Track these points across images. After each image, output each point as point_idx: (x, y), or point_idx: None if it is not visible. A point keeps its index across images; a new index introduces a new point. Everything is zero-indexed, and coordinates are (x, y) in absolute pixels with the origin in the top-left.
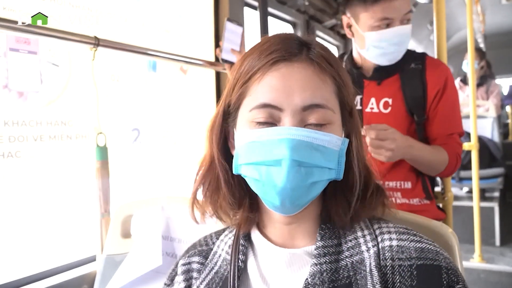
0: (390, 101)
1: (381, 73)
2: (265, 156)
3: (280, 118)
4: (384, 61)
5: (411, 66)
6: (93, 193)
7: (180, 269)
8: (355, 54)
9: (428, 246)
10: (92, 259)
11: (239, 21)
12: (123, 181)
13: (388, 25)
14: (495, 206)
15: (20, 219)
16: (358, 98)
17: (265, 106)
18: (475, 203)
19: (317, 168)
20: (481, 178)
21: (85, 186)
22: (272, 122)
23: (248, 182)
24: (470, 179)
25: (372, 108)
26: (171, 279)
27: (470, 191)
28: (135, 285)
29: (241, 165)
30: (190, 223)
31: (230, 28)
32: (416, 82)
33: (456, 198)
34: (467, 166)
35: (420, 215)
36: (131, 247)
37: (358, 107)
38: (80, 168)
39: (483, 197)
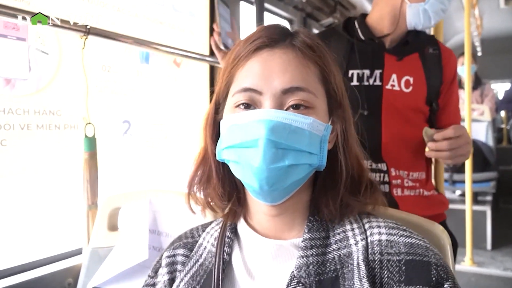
0: (411, 80)
1: (403, 48)
2: (244, 138)
3: (261, 101)
4: (433, 21)
5: (430, 51)
6: (80, 184)
7: (164, 261)
8: (375, 20)
9: (418, 241)
10: (78, 252)
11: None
12: (112, 173)
13: None
14: (488, 210)
15: (5, 209)
16: (378, 72)
17: (246, 90)
18: (468, 207)
19: (296, 151)
20: (474, 182)
21: (72, 177)
22: (253, 105)
23: (230, 167)
24: (463, 182)
25: (393, 86)
26: (155, 271)
27: (463, 195)
28: (121, 278)
29: (223, 150)
30: (178, 217)
31: (222, 10)
32: (436, 71)
33: (449, 201)
34: (461, 169)
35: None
36: (117, 240)
37: (378, 82)
38: (68, 159)
39: (475, 200)
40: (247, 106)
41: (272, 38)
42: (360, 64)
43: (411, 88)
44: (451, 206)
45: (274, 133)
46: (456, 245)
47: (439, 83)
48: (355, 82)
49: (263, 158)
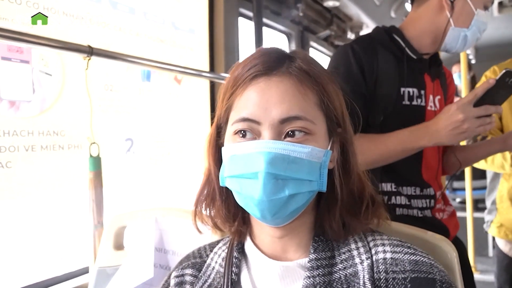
0: (439, 99)
1: (437, 68)
2: (244, 169)
3: (260, 131)
4: (466, 47)
5: (441, 71)
6: (86, 204)
7: (173, 281)
8: (414, 37)
9: (423, 258)
10: (85, 271)
11: (234, 31)
12: (116, 192)
13: (486, 9)
14: (485, 219)
15: (12, 231)
16: (423, 92)
17: (244, 120)
18: (469, 214)
19: (295, 181)
20: (474, 189)
21: (78, 197)
22: (252, 135)
23: (234, 194)
24: (463, 189)
25: (431, 106)
26: None
27: (463, 202)
28: None
29: (226, 178)
30: (184, 236)
31: None
32: (446, 90)
33: None
34: (460, 177)
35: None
36: (124, 259)
37: (422, 103)
38: (72, 179)
39: (476, 207)
40: (246, 134)
41: (268, 65)
42: (410, 83)
43: (439, 107)
44: None
45: (273, 166)
46: (465, 252)
47: (446, 101)
48: (406, 101)
49: (263, 191)
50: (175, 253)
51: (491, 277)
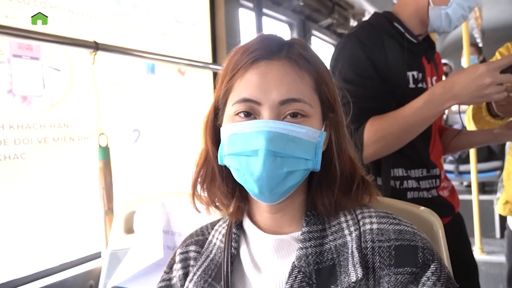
0: (436, 78)
1: (430, 51)
2: (245, 147)
3: (260, 112)
4: (453, 26)
5: (434, 53)
6: (96, 192)
7: (178, 258)
8: (406, 20)
9: (406, 228)
10: (98, 256)
11: (235, 22)
12: (125, 180)
13: None
14: (495, 199)
15: (27, 219)
16: (421, 75)
17: (245, 100)
18: (474, 196)
19: (292, 158)
20: (480, 172)
21: (88, 185)
22: (252, 115)
23: (232, 172)
24: (469, 172)
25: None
26: (170, 267)
27: (470, 186)
28: (138, 277)
29: (225, 156)
30: (189, 218)
31: None
32: (437, 71)
33: (457, 192)
34: (466, 160)
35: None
36: (134, 242)
37: (424, 85)
38: (83, 168)
39: (483, 190)
40: (247, 114)
41: (269, 50)
42: (413, 66)
43: None
44: (459, 196)
45: (272, 143)
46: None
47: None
48: (411, 85)
49: (263, 167)
50: (181, 235)
51: (498, 258)
